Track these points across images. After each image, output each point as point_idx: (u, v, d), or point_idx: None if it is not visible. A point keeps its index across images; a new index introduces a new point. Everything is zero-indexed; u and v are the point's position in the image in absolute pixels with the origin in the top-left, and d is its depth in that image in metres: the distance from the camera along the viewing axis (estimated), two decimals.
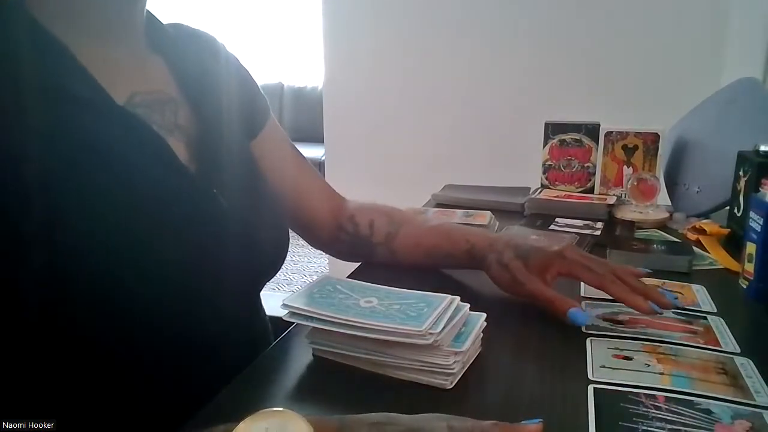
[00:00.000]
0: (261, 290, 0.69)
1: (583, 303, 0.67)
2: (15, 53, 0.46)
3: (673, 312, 0.65)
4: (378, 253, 0.79)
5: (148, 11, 0.60)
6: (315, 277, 0.68)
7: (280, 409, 0.35)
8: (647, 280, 0.73)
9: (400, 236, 0.78)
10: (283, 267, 0.69)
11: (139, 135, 0.53)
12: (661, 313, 0.59)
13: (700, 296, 0.70)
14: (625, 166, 1.16)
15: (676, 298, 0.63)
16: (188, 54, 0.64)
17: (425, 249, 0.76)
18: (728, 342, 0.59)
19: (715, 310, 0.66)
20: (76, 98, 0.49)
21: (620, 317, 0.63)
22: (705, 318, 0.64)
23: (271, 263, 0.66)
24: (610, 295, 0.61)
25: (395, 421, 0.38)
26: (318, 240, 0.83)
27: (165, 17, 0.63)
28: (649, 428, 0.45)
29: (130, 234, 0.48)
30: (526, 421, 0.41)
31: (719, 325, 0.62)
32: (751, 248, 0.72)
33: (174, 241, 0.51)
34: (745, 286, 0.73)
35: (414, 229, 0.78)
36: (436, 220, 0.79)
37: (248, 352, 0.58)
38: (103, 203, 0.48)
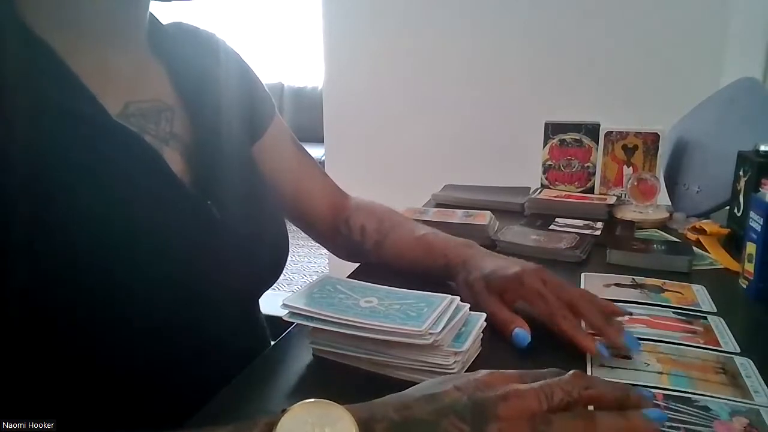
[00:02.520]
0: (259, 298, 0.69)
1: None
2: (4, 63, 0.45)
3: (673, 312, 0.65)
4: (371, 258, 0.79)
5: (150, 14, 0.59)
6: (315, 277, 0.68)
7: (318, 400, 0.37)
8: (647, 280, 0.74)
9: (386, 246, 0.78)
10: None
11: (132, 148, 0.52)
12: (607, 357, 0.54)
13: (700, 296, 0.70)
14: (625, 166, 1.16)
15: (639, 344, 0.56)
16: (189, 56, 0.63)
17: (408, 261, 0.76)
18: (728, 342, 0.59)
19: (715, 310, 0.66)
20: (69, 110, 0.48)
21: (619, 318, 0.63)
22: (705, 318, 0.64)
23: (269, 272, 0.66)
24: (559, 331, 0.57)
25: (413, 398, 0.39)
26: (318, 235, 0.84)
27: (165, 17, 0.63)
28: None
29: (122, 245, 0.48)
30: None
31: (719, 325, 0.63)
32: (751, 248, 0.72)
33: (165, 253, 0.51)
34: (745, 286, 0.73)
35: (399, 240, 0.77)
36: (423, 230, 0.77)
37: (245, 356, 0.57)
38: (94, 216, 0.47)
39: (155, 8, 0.58)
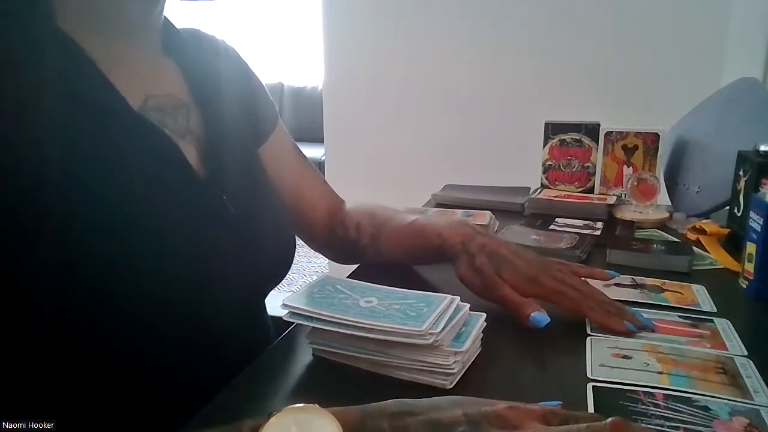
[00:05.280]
0: (266, 296, 0.69)
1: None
2: (37, 58, 0.47)
3: (678, 316, 0.65)
4: (368, 255, 0.79)
5: (164, 16, 0.60)
6: (315, 277, 0.68)
7: (306, 405, 0.36)
8: (647, 280, 0.74)
9: (383, 237, 0.77)
10: None
11: (153, 140, 0.54)
12: (635, 332, 0.60)
13: (700, 296, 0.70)
14: (625, 166, 1.16)
15: (652, 322, 0.62)
16: (200, 58, 0.64)
17: (405, 248, 0.76)
18: (735, 345, 0.58)
19: (715, 310, 0.66)
20: (93, 103, 0.50)
21: None
22: (711, 321, 0.64)
23: (275, 270, 0.66)
24: (589, 319, 0.62)
25: (414, 409, 0.38)
26: (316, 242, 0.84)
27: (172, 18, 0.64)
28: (648, 426, 0.45)
29: (137, 236, 0.49)
30: (544, 402, 0.40)
31: (726, 328, 0.62)
32: (751, 248, 0.72)
33: (181, 246, 0.52)
34: (745, 286, 0.73)
35: (394, 229, 0.77)
36: (413, 216, 0.77)
37: (248, 355, 0.58)
38: (114, 207, 0.48)
39: (167, 10, 0.60)
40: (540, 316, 0.59)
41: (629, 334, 0.59)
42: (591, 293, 0.63)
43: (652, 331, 0.61)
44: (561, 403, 0.40)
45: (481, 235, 0.69)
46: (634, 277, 0.75)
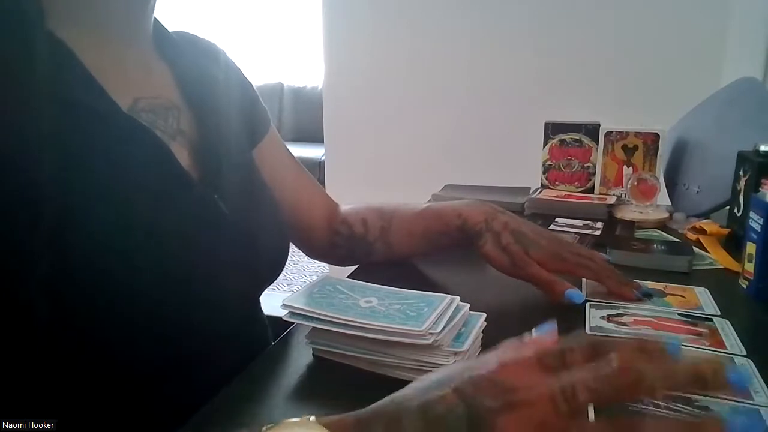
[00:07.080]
0: (261, 295, 0.69)
1: (587, 304, 0.67)
2: (26, 61, 0.46)
3: (678, 314, 0.65)
4: (376, 250, 0.79)
5: (155, 18, 0.60)
6: (315, 277, 0.68)
7: (300, 419, 0.35)
8: (648, 284, 0.74)
9: (393, 227, 0.78)
10: None
11: (143, 141, 0.53)
12: (642, 298, 0.68)
13: (703, 299, 0.70)
14: (625, 166, 1.16)
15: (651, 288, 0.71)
16: (192, 61, 0.64)
17: (419, 234, 0.76)
18: (734, 344, 0.58)
19: (719, 313, 0.66)
20: (82, 105, 0.50)
21: (624, 319, 0.63)
22: (711, 320, 0.64)
23: (271, 269, 0.66)
24: (606, 286, 0.69)
25: (405, 409, 0.35)
26: (315, 249, 0.83)
27: (166, 16, 0.64)
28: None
29: (130, 239, 0.48)
30: (538, 328, 0.39)
31: (725, 327, 0.62)
32: (751, 248, 0.72)
33: (174, 246, 0.52)
34: (745, 286, 0.73)
35: (405, 218, 0.78)
36: (426, 204, 0.79)
37: (246, 355, 0.58)
38: (104, 208, 0.48)
39: (158, 12, 0.60)
40: (575, 293, 0.65)
41: (638, 300, 0.67)
42: (604, 265, 0.70)
43: (650, 296, 0.69)
44: (555, 323, 0.38)
45: (501, 213, 0.72)
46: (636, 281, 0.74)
